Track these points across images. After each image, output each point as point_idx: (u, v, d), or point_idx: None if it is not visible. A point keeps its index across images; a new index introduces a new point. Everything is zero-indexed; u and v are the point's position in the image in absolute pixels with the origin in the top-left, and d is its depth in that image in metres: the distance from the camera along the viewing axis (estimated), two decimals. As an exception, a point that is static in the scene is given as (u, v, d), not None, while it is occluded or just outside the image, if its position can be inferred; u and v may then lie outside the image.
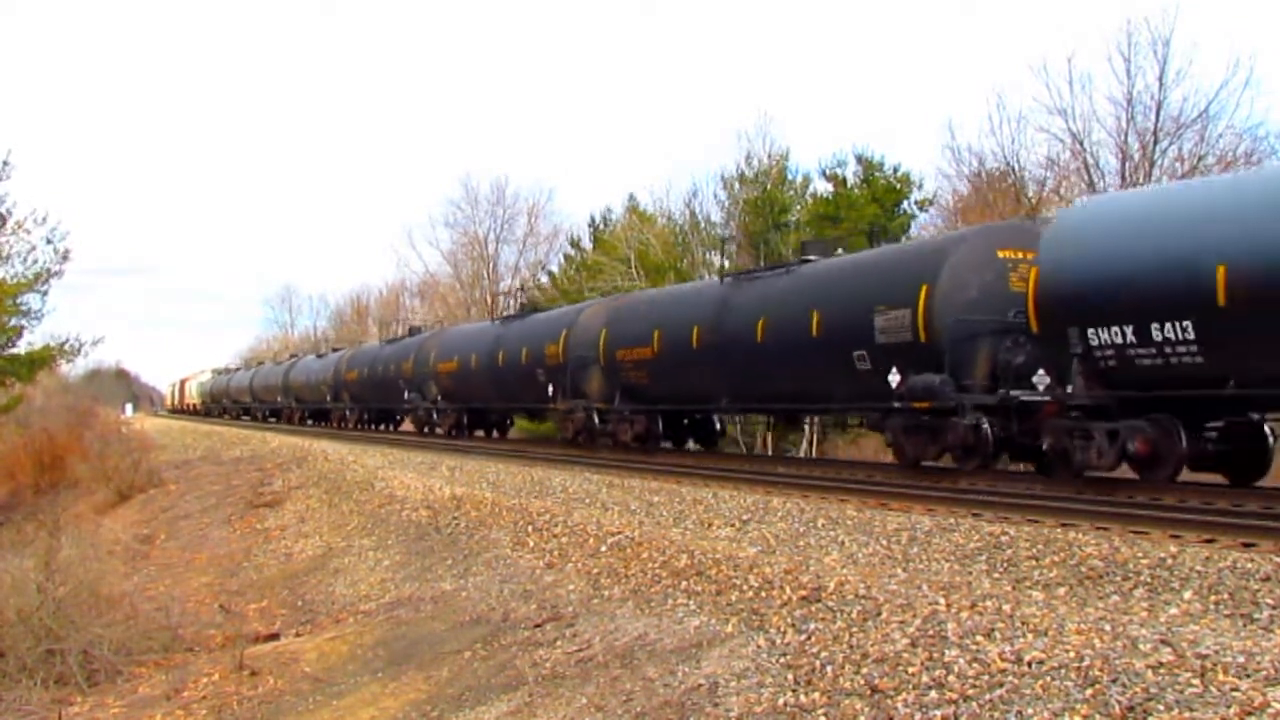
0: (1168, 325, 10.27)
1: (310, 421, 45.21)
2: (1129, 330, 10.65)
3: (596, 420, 20.82)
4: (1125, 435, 10.90)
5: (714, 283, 19.16)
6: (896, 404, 13.54)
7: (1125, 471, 11.51)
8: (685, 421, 20.99)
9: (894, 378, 13.45)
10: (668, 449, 20.75)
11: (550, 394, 22.37)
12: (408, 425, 35.72)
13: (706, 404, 18.80)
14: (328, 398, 41.22)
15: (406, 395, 31.81)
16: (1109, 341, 10.88)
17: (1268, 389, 9.85)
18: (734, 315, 16.83)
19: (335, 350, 46.62)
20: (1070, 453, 11.56)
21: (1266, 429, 11.29)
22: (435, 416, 30.28)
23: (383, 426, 37.58)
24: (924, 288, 13.06)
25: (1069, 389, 11.48)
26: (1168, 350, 10.38)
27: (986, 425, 12.48)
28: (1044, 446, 12.16)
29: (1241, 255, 9.59)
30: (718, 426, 21.23)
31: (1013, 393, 12.35)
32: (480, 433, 29.84)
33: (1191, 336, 10.12)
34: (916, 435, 13.61)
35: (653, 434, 19.92)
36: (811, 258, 17.01)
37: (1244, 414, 11.12)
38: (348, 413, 39.57)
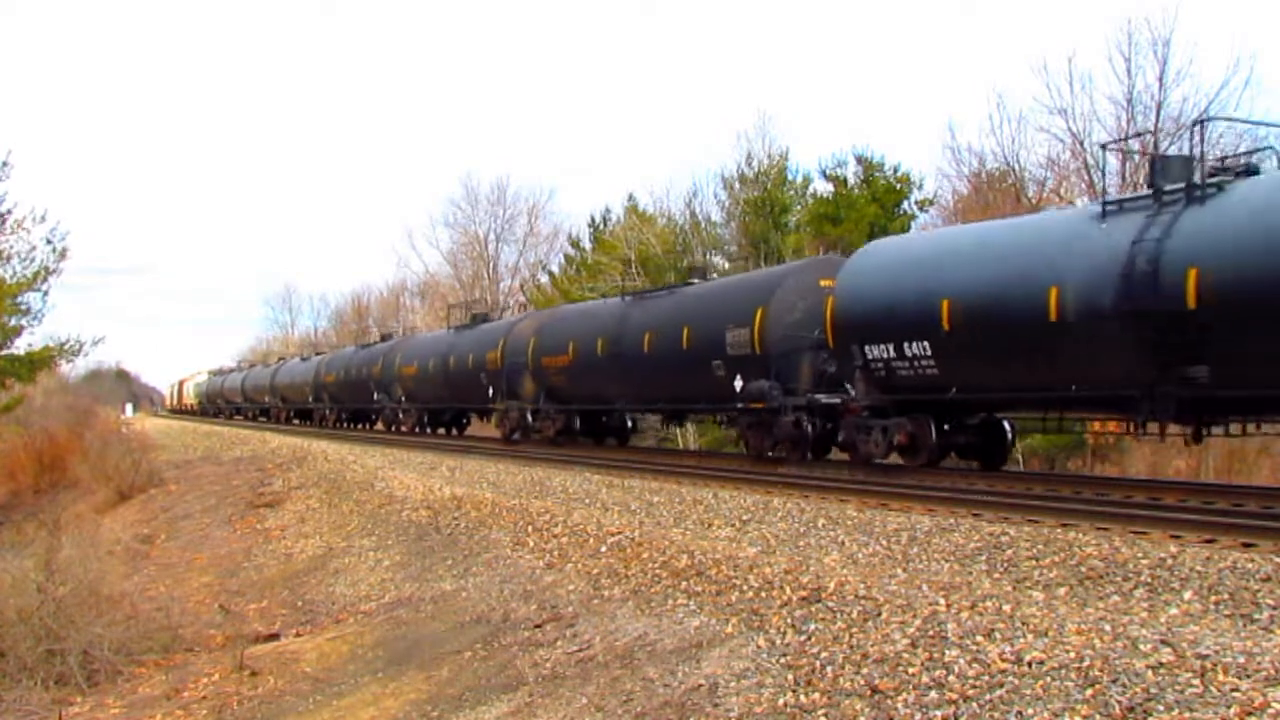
0: (914, 344, 13.11)
1: (296, 420, 47.40)
2: (891, 347, 13.45)
3: (529, 418, 23.67)
4: (892, 429, 13.68)
5: (617, 301, 22.13)
6: (740, 405, 16.34)
7: (1123, 471, 11.67)
8: (604, 419, 23.27)
9: (738, 383, 16.21)
10: (587, 443, 23.02)
11: (491, 395, 25.45)
12: (382, 425, 38.02)
13: (611, 404, 21.41)
14: (309, 398, 43.79)
15: (375, 396, 34.72)
16: (879, 356, 13.66)
17: (976, 394, 12.95)
18: (629, 329, 19.62)
19: (318, 354, 49.34)
20: (856, 444, 14.34)
21: (1006, 425, 14.27)
22: (400, 415, 33.19)
23: (360, 425, 39.64)
24: (760, 310, 15.88)
25: (853, 393, 14.40)
26: (916, 363, 13.20)
27: (808, 422, 15.17)
28: (840, 439, 14.95)
29: (955, 291, 12.60)
30: (629, 424, 23.79)
31: (816, 396, 15.15)
32: (442, 430, 32.16)
33: (929, 353, 12.98)
34: (757, 430, 16.48)
35: (571, 429, 22.72)
36: (694, 281, 20.35)
37: (991, 413, 14.05)
38: (327, 412, 42.10)
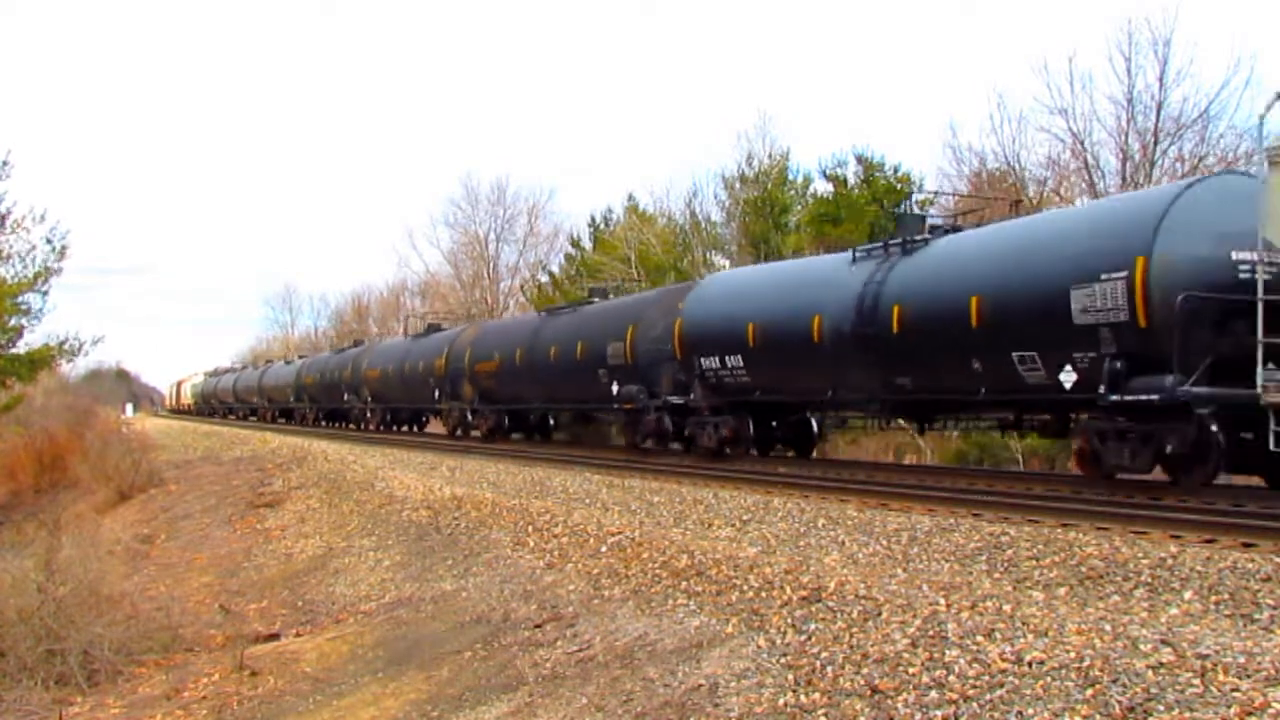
0: (732, 357, 16.57)
1: (282, 420, 50.65)
2: (718, 359, 16.88)
3: (469, 417, 27.71)
4: (721, 424, 17.11)
5: (534, 315, 26.31)
6: (616, 405, 19.87)
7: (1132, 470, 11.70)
8: (530, 418, 26.97)
9: (615, 388, 19.70)
10: (518, 439, 26.98)
11: (437, 397, 29.42)
12: (353, 424, 40.72)
13: (529, 404, 25.21)
14: (291, 398, 47.87)
15: (346, 397, 38.84)
16: (711, 366, 17.09)
17: (775, 396, 16.52)
18: (541, 341, 23.19)
19: (301, 357, 53.45)
20: (697, 436, 17.76)
21: (813, 422, 17.97)
22: (367, 415, 37.18)
23: (335, 424, 42.66)
24: (631, 328, 19.51)
25: (692, 396, 17.77)
26: (734, 372, 16.69)
27: (668, 419, 18.53)
28: (685, 433, 18.31)
29: (756, 317, 16.13)
30: (550, 422, 27.32)
31: (668, 398, 18.45)
32: (405, 429, 36.13)
33: (742, 365, 16.44)
34: (630, 426, 20.23)
35: (501, 427, 26.75)
36: (594, 300, 23.74)
37: (802, 412, 17.47)
38: (307, 411, 45.94)
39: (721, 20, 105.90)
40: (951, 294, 12.60)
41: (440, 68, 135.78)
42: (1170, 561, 7.20)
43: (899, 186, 31.57)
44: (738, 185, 35.60)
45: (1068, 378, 11.35)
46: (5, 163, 26.15)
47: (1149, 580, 6.94)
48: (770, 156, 35.17)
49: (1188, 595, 6.57)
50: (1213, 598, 6.45)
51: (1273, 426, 9.71)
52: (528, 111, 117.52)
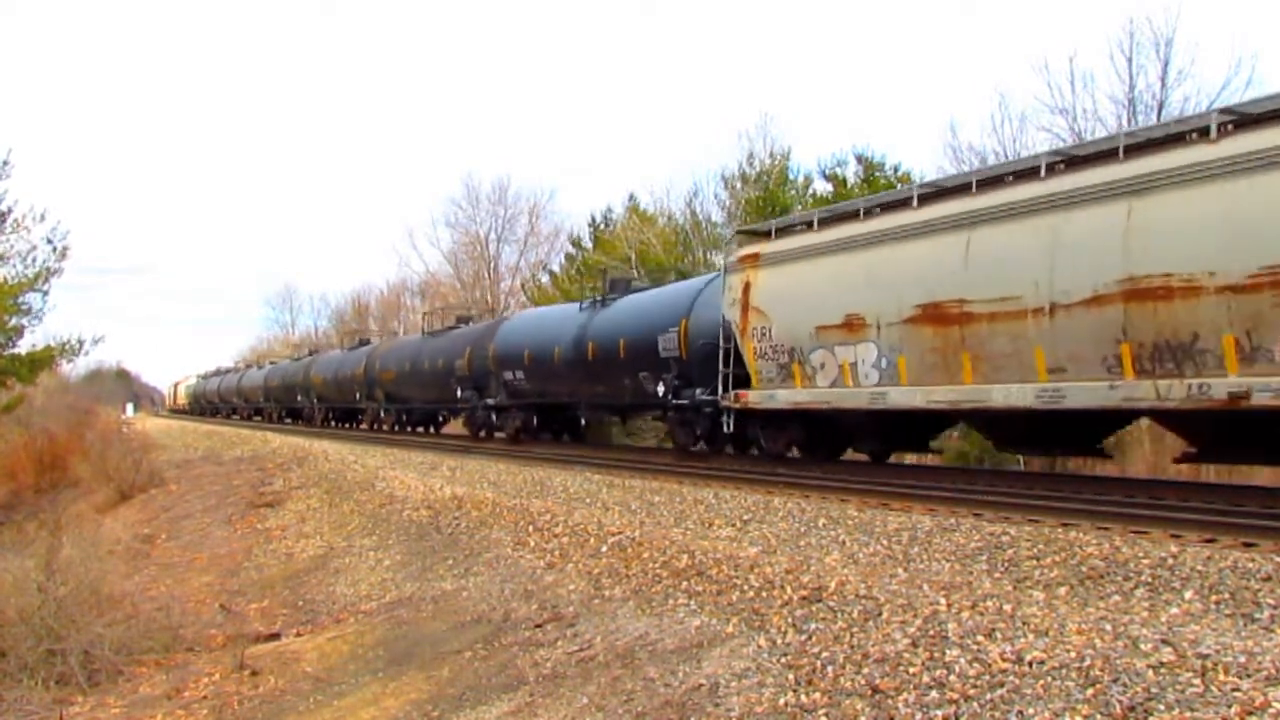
0: (519, 371, 23.36)
1: (257, 418, 57.29)
2: (512, 373, 23.64)
3: (381, 414, 35.35)
4: (515, 417, 24.38)
5: (418, 336, 33.35)
6: (459, 406, 27.73)
7: (1123, 471, 11.67)
8: (414, 415, 33.97)
9: (459, 392, 27.00)
10: (420, 432, 34.29)
11: (358, 397, 37.26)
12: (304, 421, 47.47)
13: (413, 405, 32.65)
14: (261, 399, 55.43)
15: (299, 398, 46.65)
16: (509, 378, 23.88)
17: (543, 399, 23.20)
18: (420, 356, 30.39)
19: (272, 363, 61.13)
20: (504, 426, 24.99)
21: (581, 418, 23.61)
22: (315, 413, 44.44)
23: (295, 421, 49.12)
24: (469, 349, 26.53)
25: (499, 398, 24.60)
26: (520, 382, 23.52)
27: (492, 415, 25.46)
28: (497, 423, 25.39)
29: (529, 346, 23.03)
30: (440, 419, 34.33)
31: (487, 400, 25.38)
32: (349, 425, 42.40)
33: (524, 377, 23.31)
34: (469, 421, 27.62)
35: (399, 421, 34.68)
36: (461, 326, 30.40)
37: (572, 411, 23.08)
38: (273, 410, 53.06)
39: (722, 20, 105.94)
40: (614, 336, 19.28)
41: (441, 68, 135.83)
42: (1171, 561, 7.19)
43: (899, 186, 31.52)
44: (739, 185, 35.58)
45: (661, 389, 17.72)
46: (5, 162, 26.21)
47: (1149, 580, 6.93)
48: (771, 156, 35.16)
49: (1188, 595, 6.56)
50: (1213, 597, 6.45)
51: (726, 419, 15.77)
52: (528, 111, 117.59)
